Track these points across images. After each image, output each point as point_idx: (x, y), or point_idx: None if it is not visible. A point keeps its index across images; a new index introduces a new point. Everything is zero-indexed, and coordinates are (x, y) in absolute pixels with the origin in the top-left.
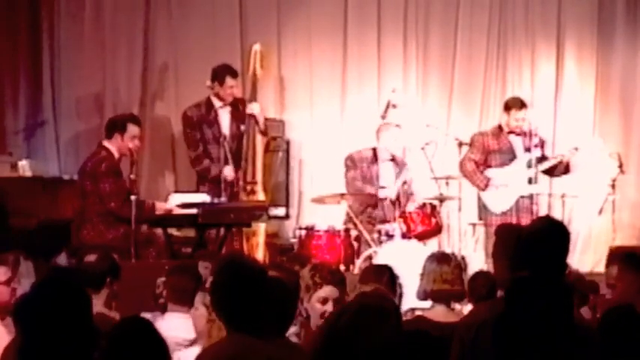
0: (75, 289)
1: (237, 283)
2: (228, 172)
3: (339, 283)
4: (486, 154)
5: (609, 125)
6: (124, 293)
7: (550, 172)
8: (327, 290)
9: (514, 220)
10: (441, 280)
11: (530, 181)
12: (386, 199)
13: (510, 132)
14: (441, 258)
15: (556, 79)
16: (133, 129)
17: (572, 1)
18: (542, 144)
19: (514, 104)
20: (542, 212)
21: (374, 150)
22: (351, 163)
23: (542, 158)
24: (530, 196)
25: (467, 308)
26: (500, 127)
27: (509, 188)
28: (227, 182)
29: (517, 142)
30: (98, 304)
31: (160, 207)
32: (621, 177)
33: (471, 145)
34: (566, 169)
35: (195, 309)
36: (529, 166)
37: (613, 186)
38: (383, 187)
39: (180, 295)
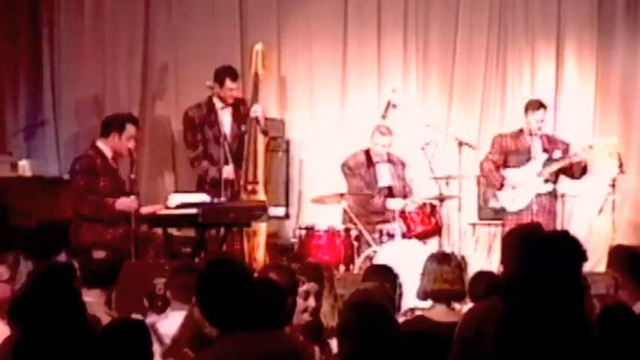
0: (66, 287)
1: (219, 286)
2: (228, 171)
3: (320, 279)
4: (505, 155)
5: (609, 125)
6: (123, 293)
7: (567, 172)
8: (309, 285)
9: (529, 219)
10: (441, 279)
11: (547, 180)
12: (394, 211)
13: (530, 133)
14: (441, 258)
15: (556, 79)
16: (130, 129)
17: (572, 1)
18: (566, 147)
19: (531, 105)
20: (559, 211)
21: (366, 152)
22: (348, 170)
23: (559, 159)
24: (549, 195)
25: (467, 308)
26: (521, 130)
27: (524, 187)
28: (227, 181)
29: (536, 143)
30: (101, 306)
31: (122, 203)
32: (621, 177)
33: (491, 145)
34: (584, 170)
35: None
36: (544, 166)
37: (613, 186)
38: (391, 198)
39: (188, 293)
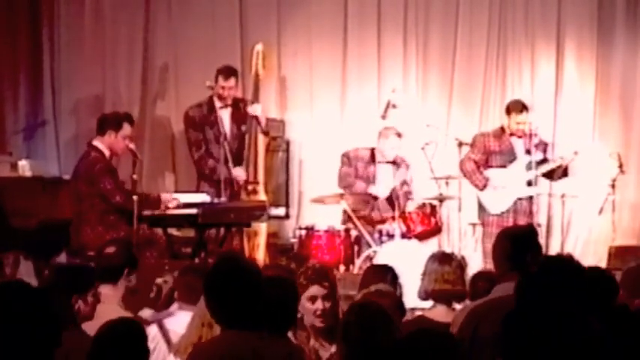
0: (30, 290)
1: (228, 282)
2: (240, 173)
3: (324, 280)
4: (487, 155)
5: (609, 125)
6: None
7: (549, 175)
8: (314, 289)
9: (511, 221)
10: (442, 280)
11: (529, 183)
12: (377, 197)
13: (512, 134)
14: (442, 258)
15: (556, 79)
16: (127, 128)
17: (572, 1)
18: (544, 147)
19: (514, 108)
20: (541, 214)
21: (372, 150)
22: (346, 159)
23: (543, 161)
24: (529, 198)
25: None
26: (502, 129)
27: (507, 189)
28: (237, 183)
29: (518, 144)
30: (114, 301)
31: (166, 198)
32: (621, 177)
33: (472, 145)
34: (565, 173)
35: None
36: (529, 168)
37: (613, 186)
38: (390, 198)
39: (193, 293)
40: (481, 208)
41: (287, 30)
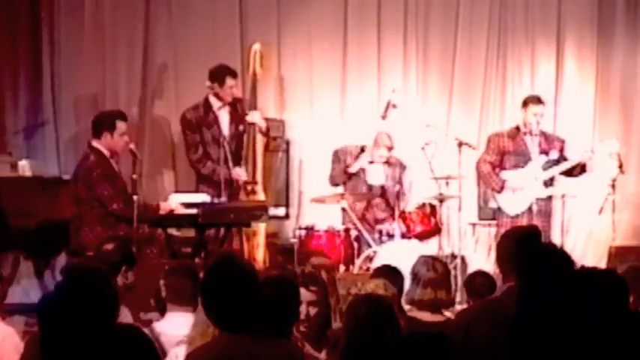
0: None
1: (224, 283)
2: (240, 173)
3: (312, 284)
4: (501, 155)
5: (609, 125)
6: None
7: (569, 172)
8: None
9: (526, 221)
10: (429, 287)
11: (546, 184)
12: (371, 187)
13: (526, 133)
14: (431, 264)
15: (556, 79)
16: (121, 126)
17: (572, 1)
18: (562, 145)
19: (532, 99)
20: (559, 211)
21: (362, 147)
22: (334, 157)
23: (560, 160)
24: (547, 199)
25: (458, 309)
26: (517, 128)
27: (524, 191)
28: (237, 183)
29: (533, 144)
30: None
31: (165, 207)
32: (621, 177)
33: (487, 145)
34: (583, 169)
35: None
36: (545, 168)
37: (613, 186)
38: (383, 198)
39: (178, 295)
40: (498, 210)
41: (287, 30)
